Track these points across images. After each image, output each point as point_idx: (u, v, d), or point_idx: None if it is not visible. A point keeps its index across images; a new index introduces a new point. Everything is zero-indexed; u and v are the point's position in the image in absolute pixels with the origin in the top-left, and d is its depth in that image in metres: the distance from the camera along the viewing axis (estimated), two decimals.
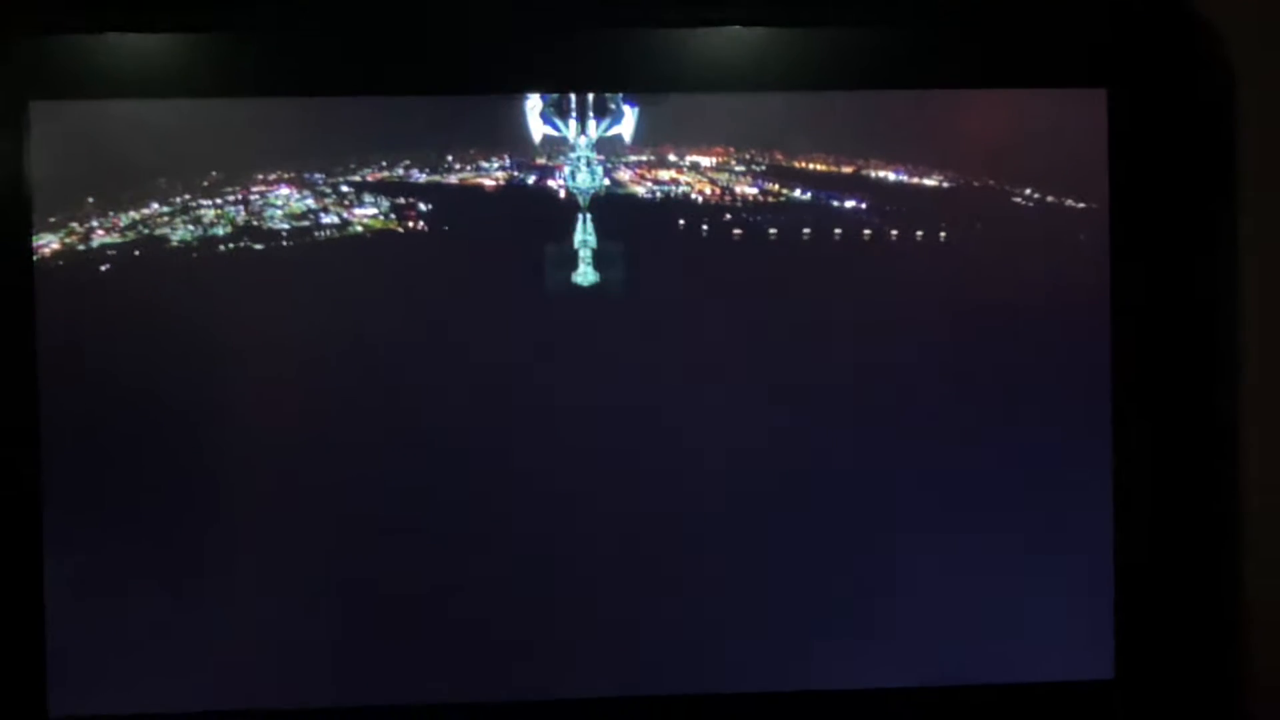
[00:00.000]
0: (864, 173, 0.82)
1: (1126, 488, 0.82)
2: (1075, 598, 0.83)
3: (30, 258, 0.79)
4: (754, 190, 0.82)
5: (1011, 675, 0.83)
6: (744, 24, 0.81)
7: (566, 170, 0.81)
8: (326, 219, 0.81)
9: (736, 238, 0.82)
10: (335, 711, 0.82)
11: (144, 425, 0.80)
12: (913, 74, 0.82)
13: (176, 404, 0.80)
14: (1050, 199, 0.82)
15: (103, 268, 0.80)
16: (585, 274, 0.82)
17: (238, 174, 0.81)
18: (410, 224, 0.81)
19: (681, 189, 0.82)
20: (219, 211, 0.81)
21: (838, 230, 0.82)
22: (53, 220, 0.80)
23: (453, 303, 0.81)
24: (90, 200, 0.80)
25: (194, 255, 0.81)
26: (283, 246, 0.81)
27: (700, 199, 0.82)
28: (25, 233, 0.79)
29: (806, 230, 0.82)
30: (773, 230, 0.82)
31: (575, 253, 0.82)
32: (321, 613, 0.81)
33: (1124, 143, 0.82)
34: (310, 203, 0.81)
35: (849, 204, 0.82)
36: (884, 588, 0.83)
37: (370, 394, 0.81)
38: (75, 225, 0.80)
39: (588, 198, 0.81)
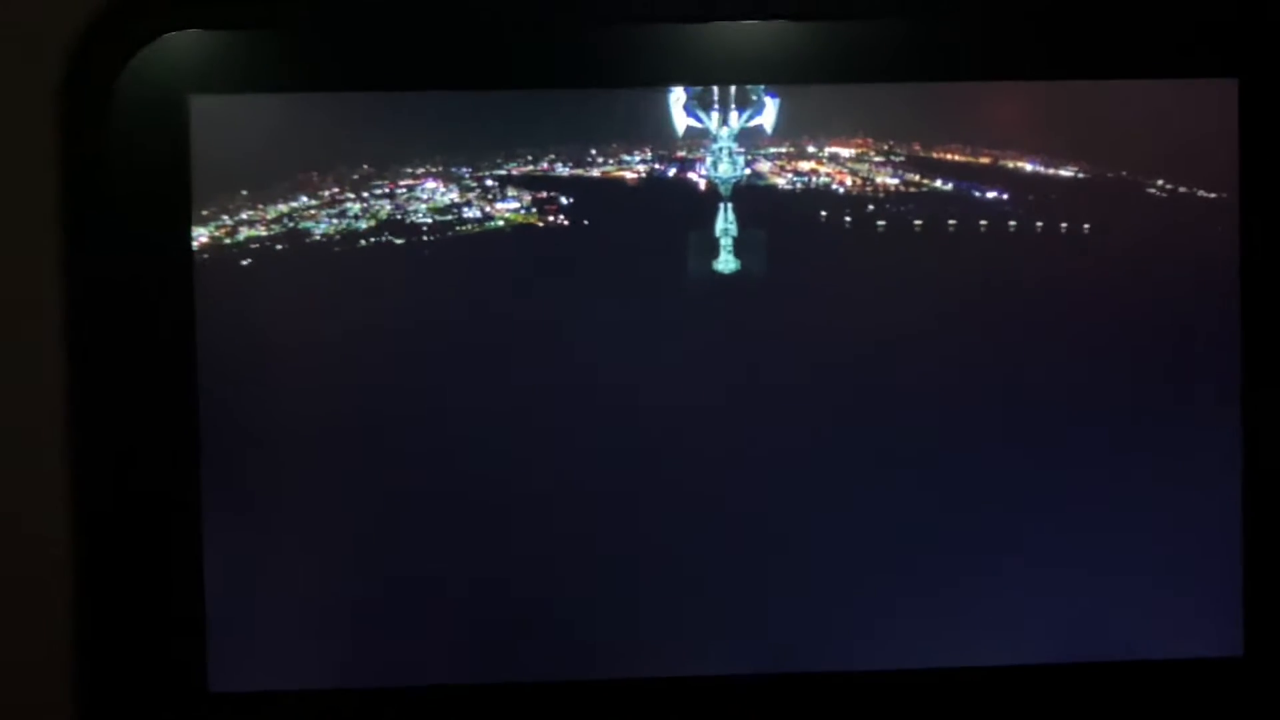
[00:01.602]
0: (1001, 163, 0.83)
1: (1256, 466, 0.83)
2: (1204, 574, 0.84)
3: (190, 251, 0.80)
4: (895, 181, 0.83)
5: (1140, 653, 0.84)
6: (881, 16, 0.81)
7: (709, 160, 0.82)
8: (469, 213, 0.82)
9: (878, 227, 0.83)
10: (480, 688, 0.83)
11: (296, 413, 0.81)
12: (1046, 66, 0.82)
13: (321, 392, 0.82)
14: (1183, 189, 0.83)
15: (244, 262, 0.81)
16: (726, 261, 0.82)
17: (387, 167, 0.81)
18: (550, 218, 0.82)
19: (822, 180, 0.83)
20: (364, 205, 0.81)
21: (983, 222, 0.83)
22: (205, 213, 0.80)
23: (591, 292, 0.82)
24: (244, 193, 0.81)
25: (335, 250, 0.81)
26: (422, 241, 0.82)
27: (841, 190, 0.83)
28: (186, 226, 0.80)
29: (951, 221, 0.83)
30: (917, 221, 0.83)
31: (716, 240, 0.82)
32: (472, 594, 0.83)
33: (1255, 133, 0.83)
34: (455, 196, 0.82)
35: (990, 195, 0.83)
36: (1011, 565, 0.84)
37: (506, 386, 0.82)
38: (226, 218, 0.80)
39: (729, 187, 0.82)
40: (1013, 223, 0.83)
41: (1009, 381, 0.83)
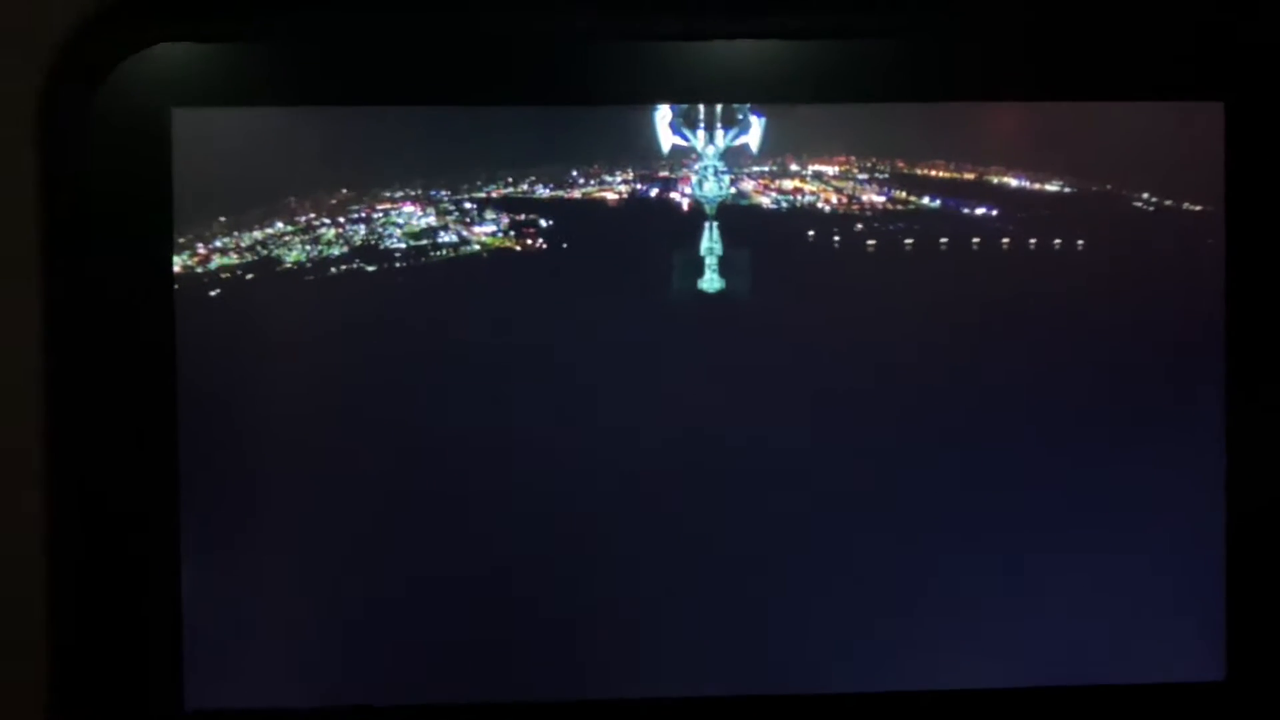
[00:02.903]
0: (986, 179, 0.82)
1: (1239, 486, 0.83)
2: (1185, 596, 0.84)
3: (170, 267, 0.79)
4: (882, 198, 0.82)
5: (1120, 676, 0.84)
6: (868, 37, 0.81)
7: (694, 179, 0.81)
8: (445, 237, 0.81)
9: (866, 246, 0.82)
10: (461, 708, 0.82)
11: (274, 433, 0.80)
12: (1034, 87, 0.82)
13: (301, 415, 0.81)
14: (1168, 203, 0.83)
15: (213, 292, 0.79)
16: (711, 280, 0.82)
17: (366, 190, 0.80)
18: (529, 241, 0.81)
19: (807, 198, 0.82)
20: (339, 231, 0.80)
21: (975, 240, 0.82)
22: (181, 241, 0.79)
23: (574, 313, 0.81)
24: (221, 219, 0.79)
25: (307, 278, 0.80)
26: (395, 268, 0.81)
27: (827, 208, 0.82)
28: (167, 240, 0.79)
29: (943, 240, 0.82)
30: (909, 240, 0.82)
31: (701, 260, 0.82)
32: (451, 612, 0.82)
33: (1241, 154, 0.82)
34: (432, 220, 0.81)
35: (980, 211, 0.82)
36: (991, 587, 0.83)
37: (490, 406, 0.81)
38: (200, 246, 0.79)
39: (714, 206, 0.81)
40: (1005, 240, 0.82)
41: (993, 404, 0.83)
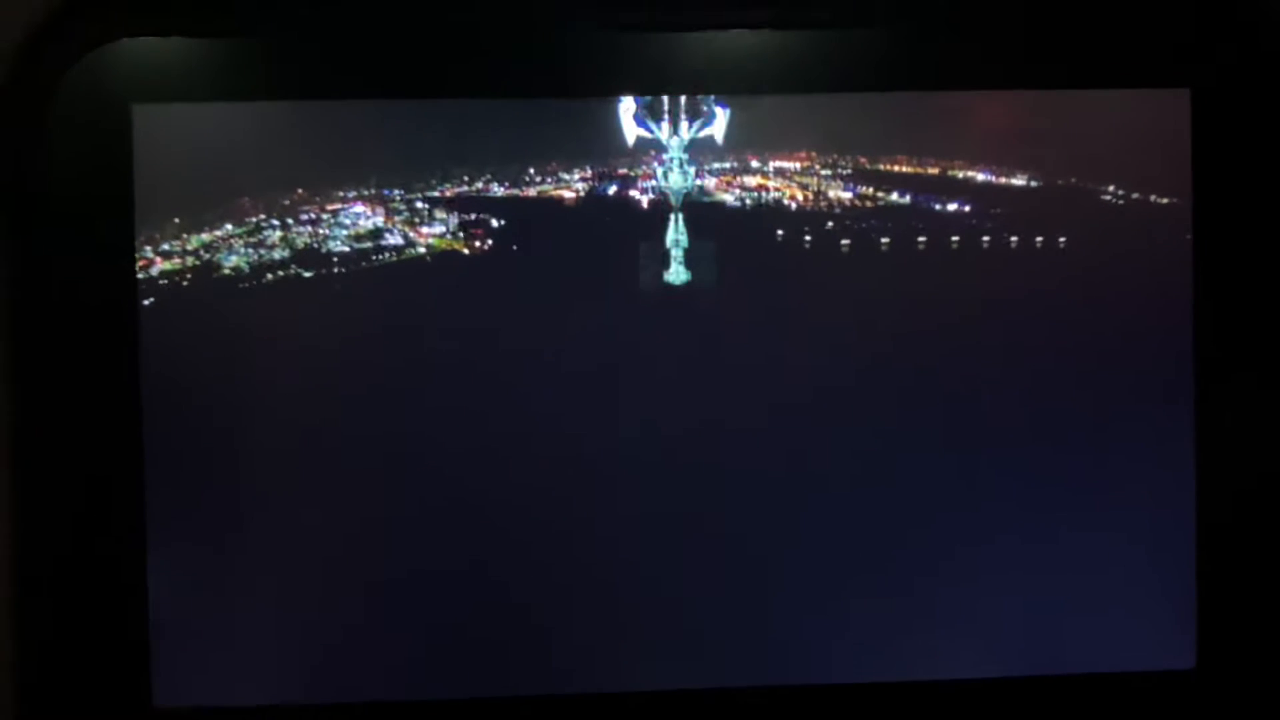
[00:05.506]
0: (950, 173, 0.82)
1: (1209, 477, 0.83)
2: (1156, 586, 0.83)
3: (134, 272, 0.78)
4: (847, 194, 0.81)
5: (1090, 665, 0.83)
6: (821, 27, 0.80)
7: (659, 171, 0.80)
8: (390, 239, 0.79)
9: (831, 238, 0.81)
10: (431, 705, 0.81)
11: (240, 431, 0.80)
12: (996, 76, 0.81)
13: (266, 412, 0.80)
14: (1135, 195, 0.82)
15: (146, 302, 0.78)
16: (677, 273, 0.81)
17: (320, 189, 0.79)
18: (476, 243, 0.80)
19: (772, 195, 0.81)
20: (284, 234, 0.79)
21: (954, 237, 0.82)
22: (139, 239, 0.78)
23: (540, 308, 0.80)
24: (176, 221, 0.78)
25: (241, 285, 0.79)
26: (332, 274, 0.80)
27: (793, 204, 0.81)
28: (129, 243, 0.78)
29: (908, 233, 0.81)
30: (884, 240, 0.81)
31: (667, 252, 0.81)
32: (424, 609, 0.81)
33: (1207, 142, 0.82)
34: (379, 221, 0.79)
35: (951, 207, 0.82)
36: (963, 577, 0.83)
37: (456, 401, 0.80)
38: (148, 250, 0.78)
39: (680, 197, 0.80)
40: (972, 234, 0.82)
41: (961, 397, 0.82)
